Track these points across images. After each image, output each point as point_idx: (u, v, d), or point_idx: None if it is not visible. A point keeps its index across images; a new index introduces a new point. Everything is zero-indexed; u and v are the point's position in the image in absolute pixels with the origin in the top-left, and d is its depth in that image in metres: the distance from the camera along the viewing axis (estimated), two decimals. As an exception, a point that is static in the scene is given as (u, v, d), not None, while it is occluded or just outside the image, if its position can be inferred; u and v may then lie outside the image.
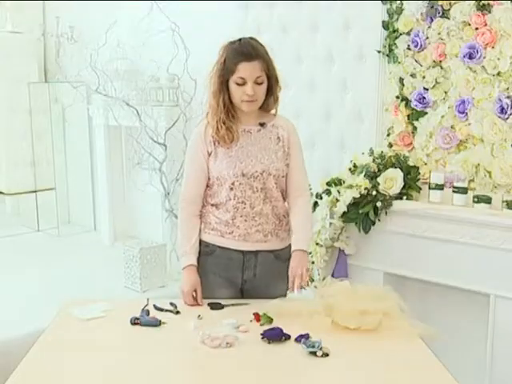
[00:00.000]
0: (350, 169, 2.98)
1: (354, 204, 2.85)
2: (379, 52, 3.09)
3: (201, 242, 2.31)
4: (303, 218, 2.29)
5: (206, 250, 2.29)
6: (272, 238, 2.27)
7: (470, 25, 2.78)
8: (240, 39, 2.20)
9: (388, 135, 3.10)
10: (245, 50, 2.15)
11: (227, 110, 2.21)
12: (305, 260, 2.25)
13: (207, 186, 2.29)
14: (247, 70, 2.14)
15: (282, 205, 2.31)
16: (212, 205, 2.28)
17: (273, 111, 2.32)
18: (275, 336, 1.92)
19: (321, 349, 1.83)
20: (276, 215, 2.28)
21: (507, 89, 2.67)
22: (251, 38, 2.23)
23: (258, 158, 2.22)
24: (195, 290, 2.22)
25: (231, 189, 2.21)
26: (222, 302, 2.21)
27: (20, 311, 3.20)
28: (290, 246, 2.37)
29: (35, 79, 5.08)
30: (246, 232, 2.23)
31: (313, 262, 2.95)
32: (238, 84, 2.16)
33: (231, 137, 2.20)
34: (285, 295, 2.39)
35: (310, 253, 2.95)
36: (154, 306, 2.19)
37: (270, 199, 2.25)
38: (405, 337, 1.97)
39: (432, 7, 2.88)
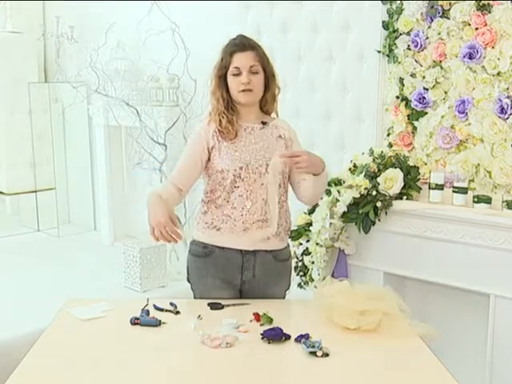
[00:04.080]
0: (350, 169, 2.98)
1: (354, 204, 2.85)
2: (379, 52, 3.09)
3: (198, 242, 2.32)
4: None
5: (204, 251, 2.29)
6: (272, 236, 2.27)
7: (469, 25, 2.77)
8: (235, 37, 2.30)
9: (388, 135, 3.10)
10: (238, 42, 2.26)
11: (227, 104, 2.27)
12: (316, 164, 2.20)
13: (208, 181, 2.30)
14: (241, 59, 2.22)
15: (284, 202, 2.32)
16: (211, 200, 2.28)
17: (273, 114, 2.37)
18: (275, 336, 1.92)
19: (321, 349, 1.83)
20: (277, 212, 2.28)
21: (507, 89, 2.67)
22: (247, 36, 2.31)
23: (261, 153, 2.25)
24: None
25: (234, 182, 2.22)
26: (222, 302, 2.22)
27: (20, 311, 3.20)
28: (288, 246, 2.38)
29: (35, 79, 5.07)
30: (245, 227, 2.23)
31: (313, 262, 2.95)
32: (234, 75, 2.23)
33: (234, 129, 2.25)
34: (284, 296, 2.40)
35: (310, 252, 2.95)
36: (154, 305, 2.19)
37: (272, 195, 2.26)
38: (405, 337, 1.97)
39: (432, 7, 2.88)
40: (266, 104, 2.33)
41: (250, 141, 2.26)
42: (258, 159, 2.24)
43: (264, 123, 2.31)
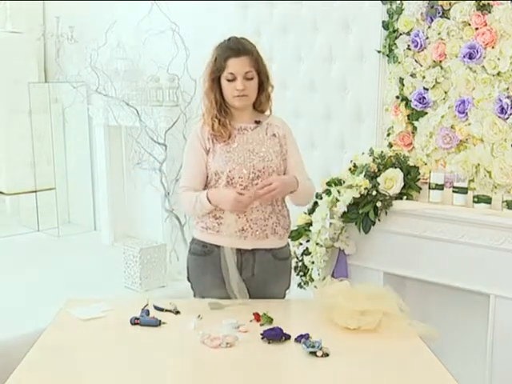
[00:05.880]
0: (350, 169, 2.98)
1: (354, 204, 2.85)
2: (379, 52, 3.09)
3: (198, 241, 2.33)
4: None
5: (203, 250, 2.30)
6: (270, 234, 2.27)
7: (469, 25, 2.77)
8: (229, 38, 2.27)
9: (388, 135, 3.10)
10: (233, 46, 2.23)
11: (220, 106, 2.27)
12: (289, 183, 2.24)
13: (205, 183, 2.30)
14: (236, 65, 2.20)
15: (281, 201, 2.32)
16: None
17: (267, 112, 2.37)
18: (275, 336, 1.92)
19: (321, 349, 1.83)
20: (274, 211, 2.28)
21: (507, 89, 2.67)
22: (241, 38, 2.28)
23: (255, 153, 2.25)
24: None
25: (229, 183, 2.23)
26: (222, 302, 2.21)
27: (20, 311, 3.20)
28: (288, 244, 2.38)
29: (35, 79, 5.08)
30: (243, 227, 2.23)
31: (313, 262, 2.95)
32: (228, 80, 2.22)
33: (227, 132, 2.25)
34: (284, 295, 2.40)
35: (310, 252, 2.95)
36: (154, 306, 2.19)
37: None
38: (405, 337, 1.97)
39: (432, 7, 2.88)
40: (261, 105, 2.34)
41: (244, 141, 2.27)
42: (252, 159, 2.24)
43: (258, 122, 2.31)
